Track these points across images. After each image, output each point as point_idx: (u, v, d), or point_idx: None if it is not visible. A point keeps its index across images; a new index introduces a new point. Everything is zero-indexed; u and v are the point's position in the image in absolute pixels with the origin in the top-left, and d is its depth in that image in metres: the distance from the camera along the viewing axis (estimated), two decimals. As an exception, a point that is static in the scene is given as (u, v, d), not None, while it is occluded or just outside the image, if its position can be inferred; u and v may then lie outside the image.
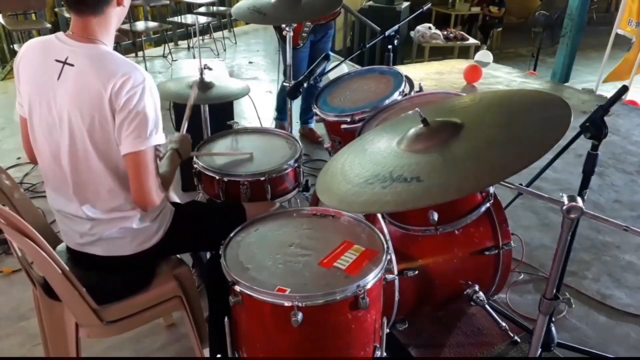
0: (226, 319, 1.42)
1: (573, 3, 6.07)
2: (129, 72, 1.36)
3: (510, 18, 10.29)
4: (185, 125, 1.91)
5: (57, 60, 1.39)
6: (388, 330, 1.61)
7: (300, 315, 1.24)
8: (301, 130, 3.88)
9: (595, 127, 1.47)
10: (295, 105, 3.96)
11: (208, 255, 2.19)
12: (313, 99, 2.39)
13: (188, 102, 1.99)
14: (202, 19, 6.16)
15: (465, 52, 8.58)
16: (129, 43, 6.14)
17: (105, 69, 1.36)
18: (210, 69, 2.28)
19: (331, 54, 3.50)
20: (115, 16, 1.46)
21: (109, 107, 1.36)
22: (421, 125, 1.31)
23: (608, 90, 5.97)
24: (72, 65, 1.38)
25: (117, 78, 1.35)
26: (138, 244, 1.56)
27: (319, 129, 3.86)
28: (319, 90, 2.45)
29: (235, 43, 7.02)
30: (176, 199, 2.09)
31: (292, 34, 2.52)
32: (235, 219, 1.64)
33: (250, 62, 4.90)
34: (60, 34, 1.44)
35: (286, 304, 1.26)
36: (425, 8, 2.70)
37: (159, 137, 1.44)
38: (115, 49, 1.52)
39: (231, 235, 1.50)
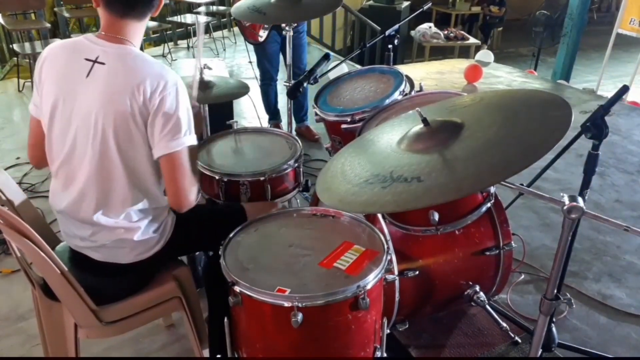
0: (226, 319, 1.42)
1: (573, 3, 6.08)
2: (162, 74, 1.38)
3: (513, 14, 10.29)
4: (194, 97, 1.89)
5: (87, 59, 1.39)
6: (388, 331, 1.61)
7: (300, 316, 1.23)
8: (297, 128, 3.88)
9: (596, 127, 1.47)
10: (282, 104, 3.98)
11: (203, 257, 2.19)
12: (301, 96, 2.38)
13: (193, 79, 1.95)
14: (202, 19, 6.16)
15: (465, 52, 8.59)
16: (129, 43, 6.14)
17: (138, 70, 1.37)
18: (210, 68, 2.28)
19: (331, 53, 3.50)
20: (148, 20, 1.49)
21: (139, 107, 1.36)
22: (421, 125, 1.31)
23: (608, 90, 5.97)
24: (102, 63, 1.38)
25: (150, 80, 1.35)
26: (137, 254, 1.55)
27: (318, 128, 3.86)
28: (319, 90, 2.44)
29: (235, 43, 7.01)
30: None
31: (292, 33, 2.51)
32: (236, 220, 1.62)
33: (250, 62, 4.93)
34: (89, 35, 1.44)
35: (286, 304, 1.26)
36: (425, 7, 2.70)
37: (192, 138, 1.44)
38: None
39: (231, 235, 1.50)
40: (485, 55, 6.15)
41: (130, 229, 1.51)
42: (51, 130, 1.47)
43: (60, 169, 1.50)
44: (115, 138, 1.39)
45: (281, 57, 3.66)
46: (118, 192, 1.46)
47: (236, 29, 7.21)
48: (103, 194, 1.46)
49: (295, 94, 2.29)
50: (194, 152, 1.71)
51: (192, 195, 1.48)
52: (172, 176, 1.43)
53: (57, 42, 1.50)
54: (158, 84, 1.36)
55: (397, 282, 1.73)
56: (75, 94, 1.40)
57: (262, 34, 3.47)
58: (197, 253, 2.13)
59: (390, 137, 1.42)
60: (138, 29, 1.45)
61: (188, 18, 6.22)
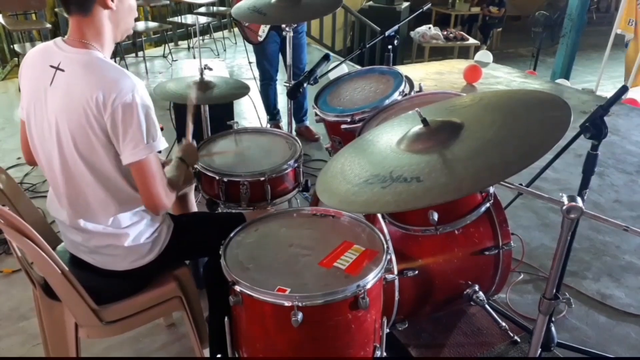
0: (226, 319, 1.43)
1: (573, 3, 6.08)
2: (116, 81, 1.32)
3: (514, 11, 10.31)
4: (190, 131, 1.88)
5: (51, 66, 1.38)
6: (388, 330, 1.61)
7: (300, 315, 1.24)
8: (297, 129, 3.89)
9: (595, 127, 1.47)
10: (282, 104, 3.99)
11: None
12: (301, 97, 2.38)
13: (188, 107, 1.95)
14: (202, 19, 6.16)
15: (465, 52, 8.60)
16: (129, 43, 6.14)
17: (93, 76, 1.33)
18: (210, 69, 2.28)
19: (331, 54, 3.51)
20: (108, 20, 1.40)
21: (94, 116, 1.32)
22: (421, 126, 1.31)
23: (608, 91, 5.98)
24: (63, 70, 1.36)
25: (104, 86, 1.30)
26: (131, 261, 1.54)
27: (318, 128, 3.87)
28: (319, 91, 2.45)
29: (236, 43, 7.02)
30: (194, 206, 2.08)
31: (292, 33, 2.52)
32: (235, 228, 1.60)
33: (250, 62, 4.94)
34: (58, 39, 1.42)
35: (286, 304, 1.26)
36: (425, 8, 2.71)
37: (158, 144, 1.40)
38: (115, 49, 1.51)
39: (231, 235, 1.50)
40: (484, 55, 6.16)
41: (119, 235, 1.50)
42: (32, 138, 1.48)
43: (48, 176, 1.51)
44: (76, 147, 1.37)
45: (281, 57, 3.67)
46: (95, 199, 1.45)
47: (236, 29, 7.21)
48: (81, 201, 1.46)
49: (295, 94, 2.29)
50: (192, 153, 1.70)
51: (165, 198, 1.45)
52: (142, 182, 1.41)
53: (36, 47, 1.48)
54: (111, 91, 1.30)
55: (396, 282, 1.73)
56: (42, 102, 1.39)
57: (262, 34, 3.47)
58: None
59: (390, 137, 1.42)
60: (94, 29, 1.38)
61: (188, 19, 6.22)
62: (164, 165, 1.70)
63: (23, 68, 1.47)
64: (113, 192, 1.46)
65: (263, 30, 3.47)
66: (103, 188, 1.44)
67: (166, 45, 6.36)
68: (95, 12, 1.37)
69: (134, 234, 1.52)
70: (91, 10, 1.36)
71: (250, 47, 3.71)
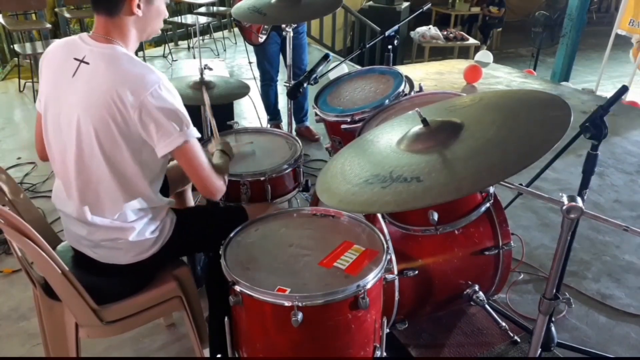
0: (226, 318, 1.43)
1: (573, 3, 6.08)
2: (142, 75, 1.34)
3: (512, 16, 10.32)
4: (215, 129, 1.97)
5: (75, 59, 1.40)
6: (388, 330, 1.61)
7: (300, 315, 1.24)
8: (297, 129, 3.89)
9: (595, 127, 1.47)
10: (282, 105, 3.99)
11: (203, 257, 2.20)
12: (301, 97, 2.38)
13: (206, 107, 2.02)
14: (202, 19, 6.16)
15: (465, 52, 8.60)
16: (129, 43, 6.14)
17: (118, 71, 1.35)
18: (210, 69, 2.28)
19: (331, 54, 3.51)
20: (133, 25, 1.42)
21: (119, 110, 1.33)
22: (421, 126, 1.31)
23: (608, 91, 5.98)
24: (87, 63, 1.38)
25: (130, 82, 1.33)
26: (134, 255, 1.55)
27: (318, 129, 3.87)
28: (319, 91, 2.45)
29: (236, 43, 7.02)
30: (191, 203, 2.09)
31: (292, 34, 2.52)
32: (237, 221, 1.61)
33: (250, 63, 4.94)
34: (83, 34, 1.44)
35: (286, 304, 1.26)
36: (425, 8, 2.71)
37: (192, 131, 1.42)
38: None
39: (231, 235, 1.50)
40: (484, 55, 6.16)
41: (125, 229, 1.51)
42: (46, 129, 1.48)
43: (57, 169, 1.51)
44: (97, 140, 1.38)
45: (281, 57, 3.67)
46: (107, 193, 1.46)
47: (237, 29, 7.22)
48: (93, 195, 1.47)
49: (296, 94, 2.29)
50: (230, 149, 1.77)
51: (215, 180, 1.50)
52: (190, 168, 1.46)
53: (57, 41, 1.50)
54: (138, 87, 1.32)
55: (396, 282, 1.73)
56: (62, 93, 1.40)
57: (262, 37, 3.47)
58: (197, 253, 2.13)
59: (390, 137, 1.42)
60: (119, 30, 1.41)
61: (188, 19, 6.22)
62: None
63: (44, 60, 1.48)
64: (125, 186, 1.46)
65: (263, 32, 3.46)
66: (116, 182, 1.45)
67: (166, 45, 6.36)
68: (121, 17, 1.40)
69: (139, 228, 1.53)
70: (118, 15, 1.39)
71: (250, 47, 3.71)
